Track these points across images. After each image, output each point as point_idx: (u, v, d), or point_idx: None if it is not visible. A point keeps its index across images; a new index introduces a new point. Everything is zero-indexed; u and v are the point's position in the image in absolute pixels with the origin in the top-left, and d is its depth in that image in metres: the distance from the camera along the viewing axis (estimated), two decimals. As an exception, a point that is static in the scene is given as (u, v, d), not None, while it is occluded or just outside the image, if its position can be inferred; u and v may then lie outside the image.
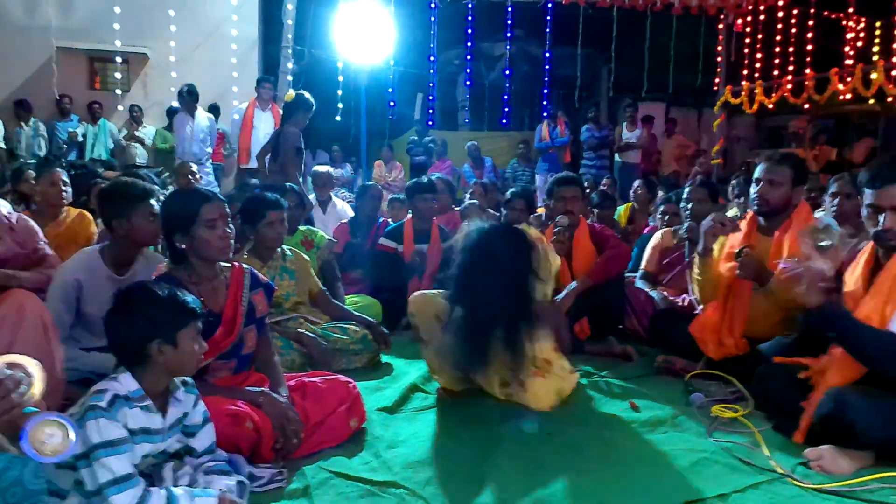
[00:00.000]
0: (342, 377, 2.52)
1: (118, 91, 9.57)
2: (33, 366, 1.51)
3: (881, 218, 2.26)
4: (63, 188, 3.65)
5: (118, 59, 9.36)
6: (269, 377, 2.37)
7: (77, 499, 1.63)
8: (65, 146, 8.96)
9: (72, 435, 1.42)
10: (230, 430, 2.02)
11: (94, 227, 3.79)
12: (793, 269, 2.25)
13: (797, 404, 2.37)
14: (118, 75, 9.45)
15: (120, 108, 9.56)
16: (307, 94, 5.15)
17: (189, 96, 7.50)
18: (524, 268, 2.57)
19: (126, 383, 1.68)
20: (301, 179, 5.03)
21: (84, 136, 9.09)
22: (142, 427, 1.68)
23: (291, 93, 5.33)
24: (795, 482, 2.09)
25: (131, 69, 9.88)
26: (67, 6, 9.60)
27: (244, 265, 2.43)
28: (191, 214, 2.20)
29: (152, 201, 2.66)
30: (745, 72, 9.43)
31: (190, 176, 5.54)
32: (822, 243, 2.26)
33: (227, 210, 2.28)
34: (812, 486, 2.06)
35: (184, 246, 2.22)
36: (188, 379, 1.86)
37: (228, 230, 2.25)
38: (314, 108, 5.13)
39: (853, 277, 2.41)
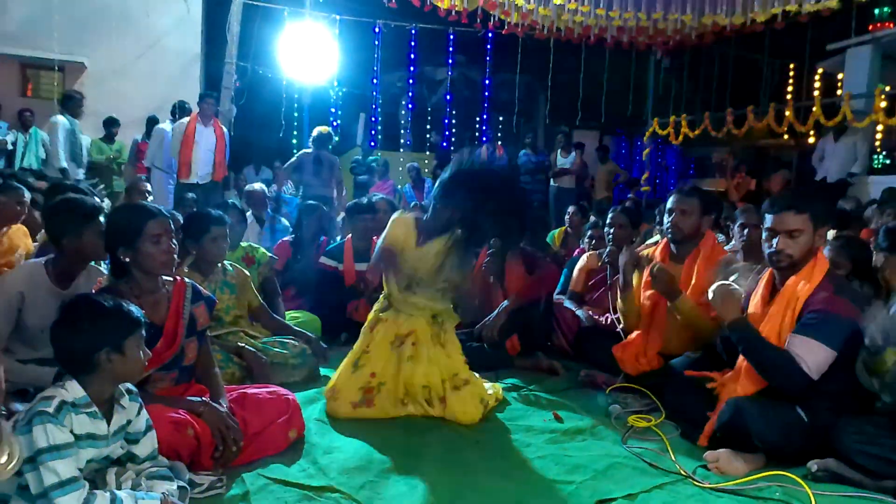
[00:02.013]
0: (282, 390, 2.62)
1: (53, 99, 9.32)
2: None
3: (774, 241, 2.53)
4: (19, 208, 3.65)
5: (54, 67, 9.14)
6: (210, 388, 2.45)
7: (20, 503, 1.69)
8: (-7, 154, 8.66)
9: (17, 454, 1.43)
10: (172, 438, 2.10)
11: (30, 240, 3.77)
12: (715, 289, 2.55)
13: (703, 413, 2.62)
14: (54, 83, 9.22)
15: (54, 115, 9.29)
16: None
17: (180, 111, 7.53)
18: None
19: (73, 390, 1.75)
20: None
21: (14, 144, 8.80)
22: (87, 433, 1.74)
23: (325, 128, 7.20)
24: (696, 482, 2.32)
25: (67, 78, 9.66)
26: (0, 11, 9.34)
27: (186, 279, 2.51)
28: (136, 229, 2.26)
29: (101, 219, 2.70)
30: (671, 104, 10.00)
31: (145, 194, 5.48)
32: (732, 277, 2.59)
33: (172, 226, 2.37)
34: (709, 485, 2.29)
35: (127, 259, 2.28)
36: (132, 387, 1.94)
37: (173, 245, 2.33)
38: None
39: (754, 300, 2.68)
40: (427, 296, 3.00)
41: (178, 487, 1.92)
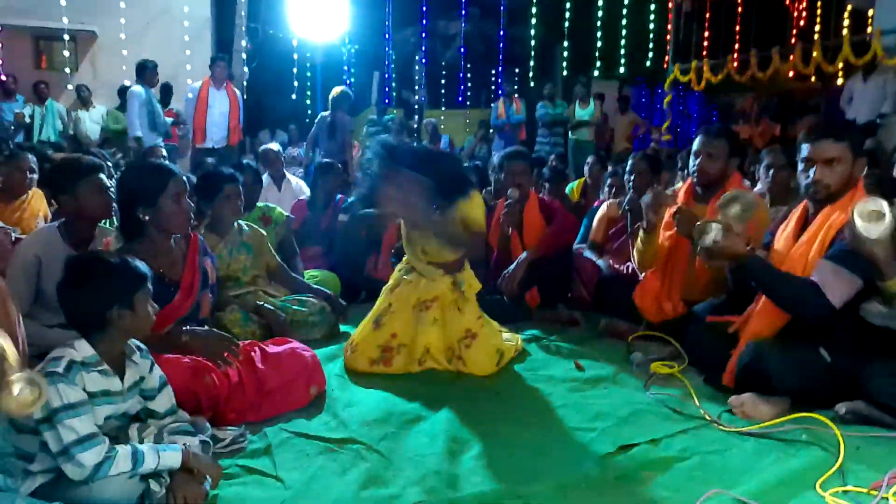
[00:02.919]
0: (302, 346, 2.63)
1: (66, 70, 9.33)
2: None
3: (811, 171, 2.43)
4: (29, 175, 3.65)
5: (65, 38, 9.12)
6: None
7: (45, 460, 1.70)
8: (11, 128, 8.71)
9: (45, 390, 1.44)
10: (191, 384, 2.14)
11: (45, 203, 3.79)
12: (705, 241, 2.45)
13: (726, 358, 2.57)
14: (66, 54, 9.21)
15: (70, 87, 9.32)
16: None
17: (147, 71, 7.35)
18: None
19: (82, 350, 1.73)
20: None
21: (31, 117, 8.85)
22: (101, 390, 1.74)
23: (338, 88, 7.07)
24: (720, 427, 2.29)
25: (79, 48, 9.64)
26: (10, -18, 9.30)
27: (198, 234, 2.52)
28: (158, 188, 2.28)
29: (101, 175, 2.67)
30: (693, 50, 9.70)
31: (163, 160, 5.48)
32: (733, 210, 2.48)
33: (187, 186, 2.38)
34: (735, 429, 2.26)
35: (146, 218, 2.27)
36: (142, 345, 1.93)
37: (191, 205, 2.36)
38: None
39: (783, 236, 2.59)
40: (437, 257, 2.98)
41: (201, 442, 1.93)
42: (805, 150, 2.46)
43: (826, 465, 1.97)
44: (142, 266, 1.87)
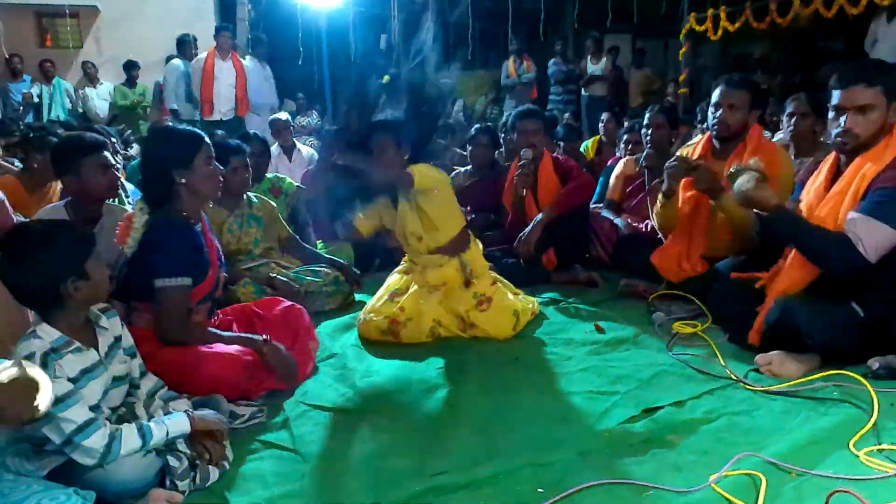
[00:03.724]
0: (286, 302, 2.58)
1: (70, 47, 9.24)
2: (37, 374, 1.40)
3: (842, 120, 2.29)
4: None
5: (67, 14, 9.00)
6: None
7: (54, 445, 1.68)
8: (20, 108, 8.69)
9: (50, 386, 1.40)
10: (244, 385, 2.17)
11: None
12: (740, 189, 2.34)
13: (752, 316, 2.49)
14: (69, 30, 9.10)
15: (75, 64, 9.24)
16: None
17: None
18: None
19: (47, 335, 1.64)
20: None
21: (39, 96, 8.81)
22: (81, 370, 1.66)
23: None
24: (747, 386, 2.22)
25: (82, 24, 9.52)
26: (9, -41, 9.16)
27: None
28: (193, 150, 2.21)
29: (104, 153, 2.60)
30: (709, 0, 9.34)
31: None
32: (742, 181, 2.37)
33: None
34: (762, 388, 2.19)
35: (183, 181, 2.18)
36: (103, 304, 1.84)
37: (220, 168, 2.30)
38: None
39: (813, 188, 2.47)
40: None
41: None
42: (835, 96, 2.32)
43: (859, 424, 1.90)
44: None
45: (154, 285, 2.11)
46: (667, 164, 2.95)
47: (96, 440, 1.56)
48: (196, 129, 2.30)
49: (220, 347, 2.19)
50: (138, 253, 2.17)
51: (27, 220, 2.56)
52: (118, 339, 1.84)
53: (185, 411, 1.80)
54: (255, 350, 2.23)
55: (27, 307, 1.72)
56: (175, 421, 1.73)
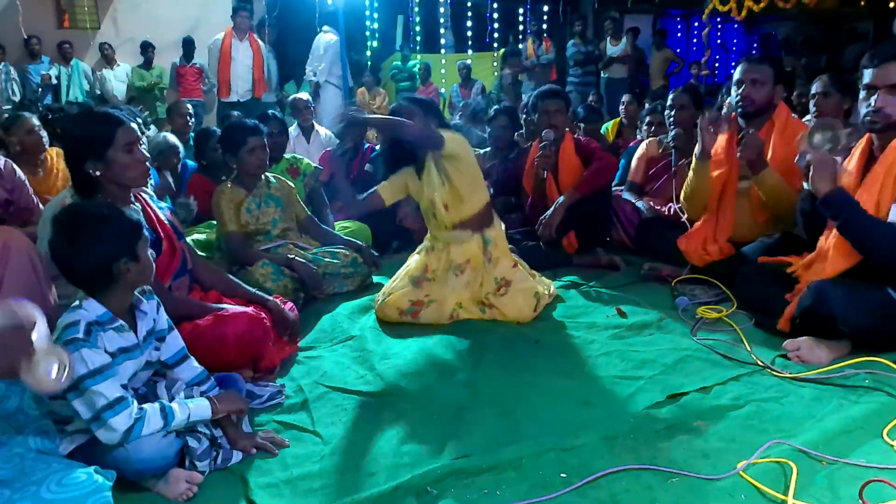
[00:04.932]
0: (249, 311, 2.31)
1: (88, 28, 9.22)
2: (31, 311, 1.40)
3: (873, 99, 2.22)
4: (38, 132, 3.56)
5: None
6: (222, 281, 2.51)
7: (80, 423, 1.67)
8: (39, 90, 8.71)
9: (67, 362, 1.38)
10: (253, 334, 2.20)
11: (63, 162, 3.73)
12: (806, 155, 2.24)
13: (781, 301, 2.43)
14: (87, 10, 9.08)
15: (92, 44, 9.22)
16: None
17: None
18: None
19: (93, 309, 1.65)
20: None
21: (58, 78, 8.82)
22: (119, 348, 1.67)
23: None
24: (774, 373, 2.17)
25: (100, 4, 9.50)
26: (26, -62, 9.12)
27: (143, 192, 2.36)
28: (106, 138, 2.07)
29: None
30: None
31: (187, 117, 5.38)
32: (817, 141, 2.28)
33: (139, 134, 2.19)
34: (790, 375, 2.14)
35: (97, 173, 2.08)
36: (146, 287, 1.84)
37: (146, 154, 2.17)
38: None
39: (847, 170, 2.39)
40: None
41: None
42: (868, 75, 2.24)
43: (892, 412, 1.85)
44: (132, 213, 1.78)
45: None
46: (708, 116, 2.87)
47: (123, 419, 1.56)
48: (114, 114, 2.14)
49: (233, 309, 2.22)
50: None
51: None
52: (154, 323, 1.83)
53: (208, 397, 1.79)
54: (265, 306, 2.31)
55: (77, 286, 1.71)
56: (198, 405, 1.72)
